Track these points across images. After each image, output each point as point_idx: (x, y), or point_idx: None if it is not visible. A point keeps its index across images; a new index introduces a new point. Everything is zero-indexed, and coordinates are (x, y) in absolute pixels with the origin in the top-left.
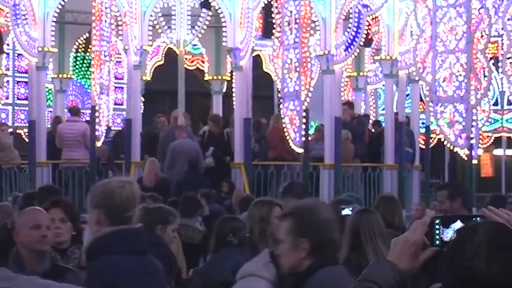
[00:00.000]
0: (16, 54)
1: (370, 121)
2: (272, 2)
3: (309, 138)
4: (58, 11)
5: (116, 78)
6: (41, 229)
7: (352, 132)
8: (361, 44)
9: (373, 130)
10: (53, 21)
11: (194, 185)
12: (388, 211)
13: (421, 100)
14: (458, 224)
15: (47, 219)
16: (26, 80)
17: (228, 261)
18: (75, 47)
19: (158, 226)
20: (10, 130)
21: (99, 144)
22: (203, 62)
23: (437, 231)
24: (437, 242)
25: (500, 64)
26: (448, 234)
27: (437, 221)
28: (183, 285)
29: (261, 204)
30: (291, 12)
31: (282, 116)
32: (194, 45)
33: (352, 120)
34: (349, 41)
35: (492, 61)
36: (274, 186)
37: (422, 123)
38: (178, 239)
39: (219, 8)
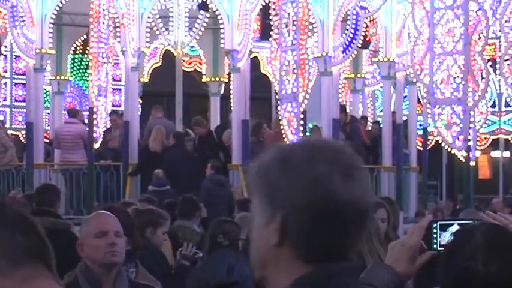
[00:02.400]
0: (14, 56)
1: (368, 123)
2: (270, 4)
3: None
4: (56, 12)
5: (113, 80)
6: (107, 236)
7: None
8: (359, 45)
9: (369, 128)
10: (50, 23)
11: (183, 158)
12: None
13: (419, 102)
14: (455, 228)
15: (115, 224)
16: (24, 81)
17: (222, 262)
18: (72, 48)
19: (148, 229)
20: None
21: (96, 145)
22: (201, 63)
23: (435, 235)
24: (435, 246)
25: (497, 66)
26: (446, 237)
27: (435, 225)
28: None
29: None
30: (288, 14)
31: (280, 118)
32: (192, 47)
33: (345, 126)
34: (347, 43)
35: (490, 63)
36: None
37: (420, 125)
38: (168, 241)
39: (217, 9)
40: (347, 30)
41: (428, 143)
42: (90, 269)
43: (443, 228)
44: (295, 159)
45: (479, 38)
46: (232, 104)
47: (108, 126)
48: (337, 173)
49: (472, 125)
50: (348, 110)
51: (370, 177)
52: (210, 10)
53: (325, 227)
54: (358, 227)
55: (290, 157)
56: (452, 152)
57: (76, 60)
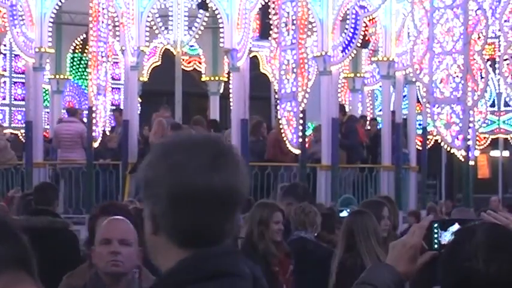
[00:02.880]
0: (13, 55)
1: (367, 121)
2: (269, 3)
3: (307, 139)
4: (55, 11)
5: (113, 79)
6: (110, 245)
7: (347, 145)
8: (358, 45)
9: (369, 127)
10: (50, 21)
11: None
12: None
13: (418, 101)
14: (456, 227)
15: (121, 232)
16: (23, 80)
17: None
18: (72, 47)
19: None
20: (8, 131)
21: (95, 144)
22: (200, 63)
23: (435, 235)
24: (436, 246)
25: (497, 65)
26: (446, 237)
27: (435, 225)
28: None
29: (263, 206)
30: (288, 13)
31: (279, 117)
32: (191, 46)
33: (341, 125)
34: (346, 42)
35: (489, 62)
36: (271, 187)
37: (419, 124)
38: None
39: (216, 9)
40: (346, 29)
41: (428, 142)
42: (100, 277)
43: (444, 228)
44: (158, 152)
45: (479, 37)
46: (231, 103)
47: (108, 125)
48: (194, 162)
49: (471, 125)
50: (347, 110)
51: (244, 165)
52: (209, 9)
53: (186, 214)
54: (224, 212)
55: (156, 151)
56: (452, 151)
57: (75, 59)
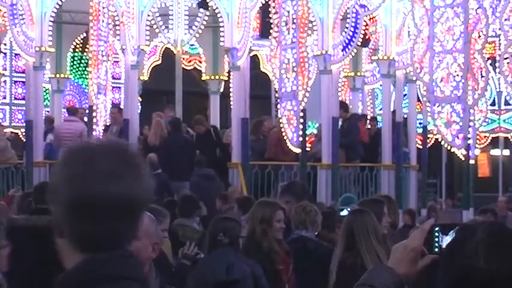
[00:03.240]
0: (13, 54)
1: (368, 121)
2: (270, 2)
3: (308, 138)
4: (55, 10)
5: (113, 78)
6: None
7: (346, 143)
8: (359, 44)
9: (369, 126)
10: (50, 21)
11: (177, 145)
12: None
13: (419, 100)
14: None
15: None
16: (24, 79)
17: (221, 260)
18: (72, 46)
19: None
20: (8, 130)
21: None
22: (200, 62)
23: (436, 239)
24: (436, 249)
25: (497, 64)
26: (447, 241)
27: (436, 229)
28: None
29: (265, 205)
30: (288, 12)
31: (280, 116)
32: (191, 45)
33: (343, 123)
34: (347, 41)
35: (489, 61)
36: (271, 186)
37: (420, 123)
38: (167, 238)
39: (217, 7)
40: (347, 28)
41: (428, 141)
42: None
43: (445, 232)
44: (61, 160)
45: (479, 36)
46: (231, 102)
47: (107, 123)
48: (93, 171)
49: (471, 123)
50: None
51: (148, 174)
52: (209, 8)
53: (84, 221)
54: (124, 219)
55: (60, 159)
56: (452, 150)
57: (76, 58)
